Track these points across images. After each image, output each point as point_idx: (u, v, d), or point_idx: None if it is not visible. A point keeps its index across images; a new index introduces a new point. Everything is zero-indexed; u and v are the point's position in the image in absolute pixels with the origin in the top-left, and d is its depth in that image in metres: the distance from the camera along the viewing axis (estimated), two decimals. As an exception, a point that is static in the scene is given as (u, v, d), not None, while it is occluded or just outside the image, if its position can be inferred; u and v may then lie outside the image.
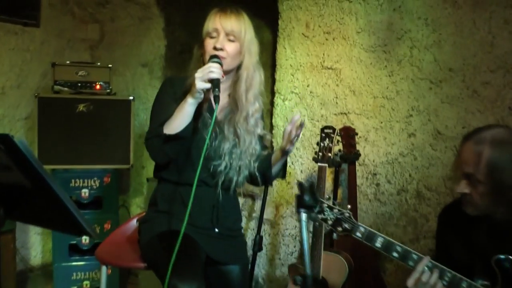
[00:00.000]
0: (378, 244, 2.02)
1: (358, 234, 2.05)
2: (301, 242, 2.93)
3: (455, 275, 1.97)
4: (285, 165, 2.41)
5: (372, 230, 2.06)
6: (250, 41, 2.16)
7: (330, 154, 2.75)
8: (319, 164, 2.76)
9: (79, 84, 3.77)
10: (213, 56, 2.08)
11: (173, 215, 2.12)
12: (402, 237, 3.16)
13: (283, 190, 3.62)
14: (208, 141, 1.98)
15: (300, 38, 3.50)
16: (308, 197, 1.69)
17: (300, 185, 1.69)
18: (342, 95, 3.37)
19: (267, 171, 2.26)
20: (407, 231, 3.17)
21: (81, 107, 3.69)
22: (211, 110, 2.12)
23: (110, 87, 3.87)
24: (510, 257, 1.95)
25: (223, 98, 2.17)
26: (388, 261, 3.19)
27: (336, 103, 3.40)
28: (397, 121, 3.18)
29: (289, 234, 3.60)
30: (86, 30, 4.59)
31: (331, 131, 2.76)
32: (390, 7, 3.15)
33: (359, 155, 3.04)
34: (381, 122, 3.24)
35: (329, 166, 2.76)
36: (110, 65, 3.90)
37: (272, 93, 3.71)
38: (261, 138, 2.27)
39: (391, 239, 2.03)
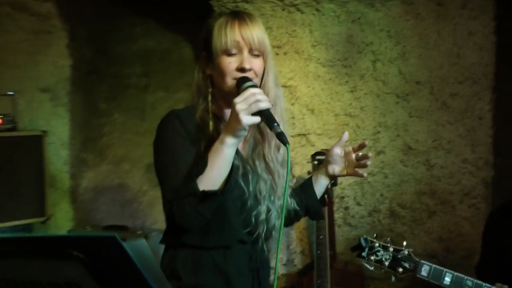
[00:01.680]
0: (447, 281, 1.82)
1: (424, 273, 1.83)
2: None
3: None
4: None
5: (437, 266, 1.86)
6: (270, 54, 1.77)
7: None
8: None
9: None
10: (245, 80, 1.64)
11: None
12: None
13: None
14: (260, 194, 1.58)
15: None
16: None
17: None
18: (299, 115, 3.12)
19: (314, 202, 1.90)
20: (382, 253, 3.02)
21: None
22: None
23: (15, 121, 3.16)
24: None
25: None
26: None
27: (293, 123, 3.13)
28: (364, 139, 3.01)
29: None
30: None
31: (323, 157, 2.49)
32: (349, 18, 2.99)
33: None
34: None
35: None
36: (11, 92, 3.20)
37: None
38: None
39: (460, 274, 1.84)
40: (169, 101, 3.59)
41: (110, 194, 3.86)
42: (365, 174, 1.81)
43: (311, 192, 1.87)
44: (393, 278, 1.88)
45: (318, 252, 2.56)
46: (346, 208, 3.06)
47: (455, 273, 1.86)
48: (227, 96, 1.64)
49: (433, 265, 1.86)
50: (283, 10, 3.05)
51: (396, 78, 2.95)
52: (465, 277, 1.85)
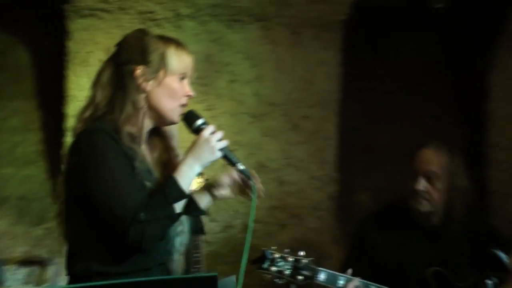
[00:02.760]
0: (340, 283, 2.05)
1: (321, 278, 2.00)
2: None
3: None
4: None
5: (333, 271, 2.05)
6: None
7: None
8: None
9: None
10: (197, 114, 1.69)
11: None
12: (232, 273, 3.13)
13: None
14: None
15: (100, 65, 3.00)
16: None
17: None
18: (155, 131, 3.07)
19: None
20: (237, 266, 3.15)
21: None
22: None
23: None
24: (442, 270, 2.26)
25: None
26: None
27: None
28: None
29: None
30: None
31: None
32: (208, 38, 3.05)
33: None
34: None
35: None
36: None
37: (59, 130, 3.05)
38: None
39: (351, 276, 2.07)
40: (4, 110, 3.18)
41: None
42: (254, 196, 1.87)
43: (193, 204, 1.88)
44: (293, 287, 2.00)
45: (193, 270, 2.57)
46: (202, 225, 3.12)
47: (348, 276, 2.07)
48: (160, 117, 1.66)
49: (329, 271, 2.03)
50: (142, 24, 2.97)
51: (252, 99, 3.09)
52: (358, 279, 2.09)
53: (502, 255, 1.92)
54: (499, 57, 3.34)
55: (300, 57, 3.07)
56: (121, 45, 1.71)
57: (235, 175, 1.85)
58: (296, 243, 3.20)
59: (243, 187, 1.85)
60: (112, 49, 2.96)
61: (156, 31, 2.92)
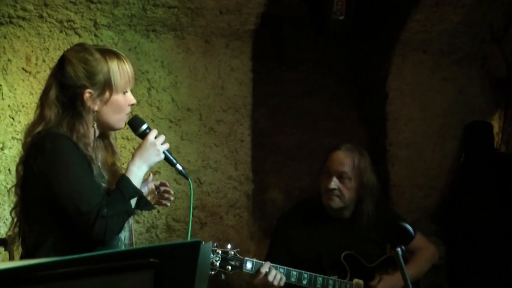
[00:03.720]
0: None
1: (248, 267, 2.23)
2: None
3: (306, 273, 2.41)
4: None
5: (258, 260, 2.28)
6: None
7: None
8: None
9: None
10: (141, 120, 1.96)
11: None
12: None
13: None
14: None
15: (20, 74, 3.05)
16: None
17: None
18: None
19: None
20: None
21: None
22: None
23: None
24: (354, 253, 2.56)
25: None
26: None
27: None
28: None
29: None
30: None
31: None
32: (126, 46, 3.17)
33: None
34: (123, 164, 3.22)
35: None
36: None
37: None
38: None
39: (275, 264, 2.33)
40: None
41: None
42: (168, 204, 2.17)
43: None
44: (223, 276, 2.19)
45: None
46: (124, 226, 3.22)
47: (273, 264, 2.30)
48: (108, 128, 1.89)
49: (254, 260, 2.26)
50: (61, 32, 3.05)
51: (169, 105, 3.24)
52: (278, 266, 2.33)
53: (408, 226, 2.17)
54: (395, 64, 3.70)
55: (213, 64, 3.26)
56: (65, 65, 1.82)
57: (152, 185, 2.09)
58: (216, 240, 3.36)
59: (157, 197, 2.11)
60: (31, 58, 3.07)
61: (75, 39, 3.06)
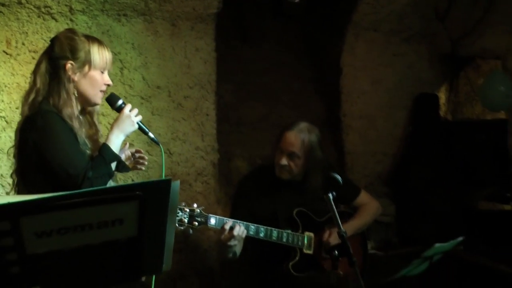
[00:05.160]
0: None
1: (212, 223, 2.54)
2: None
3: (263, 227, 2.72)
4: None
5: (221, 217, 2.59)
6: None
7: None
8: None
9: None
10: (117, 96, 2.30)
11: None
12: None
13: None
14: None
15: (1, 56, 3.30)
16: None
17: None
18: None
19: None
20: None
21: None
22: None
23: None
24: (305, 210, 2.89)
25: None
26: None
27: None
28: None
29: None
30: None
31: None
32: (99, 30, 3.41)
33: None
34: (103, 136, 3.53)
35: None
36: None
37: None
38: None
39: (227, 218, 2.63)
40: None
41: None
42: (143, 168, 2.53)
43: None
44: (190, 231, 2.50)
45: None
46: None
47: (233, 220, 2.61)
48: (86, 101, 2.20)
49: (218, 216, 2.57)
50: (39, 17, 3.29)
51: (140, 83, 3.51)
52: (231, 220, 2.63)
53: (337, 175, 2.56)
54: (348, 42, 4.03)
55: (179, 45, 3.53)
56: (54, 42, 2.21)
57: (129, 152, 2.45)
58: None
59: (133, 162, 2.46)
60: (11, 41, 3.35)
61: (51, 24, 3.32)
